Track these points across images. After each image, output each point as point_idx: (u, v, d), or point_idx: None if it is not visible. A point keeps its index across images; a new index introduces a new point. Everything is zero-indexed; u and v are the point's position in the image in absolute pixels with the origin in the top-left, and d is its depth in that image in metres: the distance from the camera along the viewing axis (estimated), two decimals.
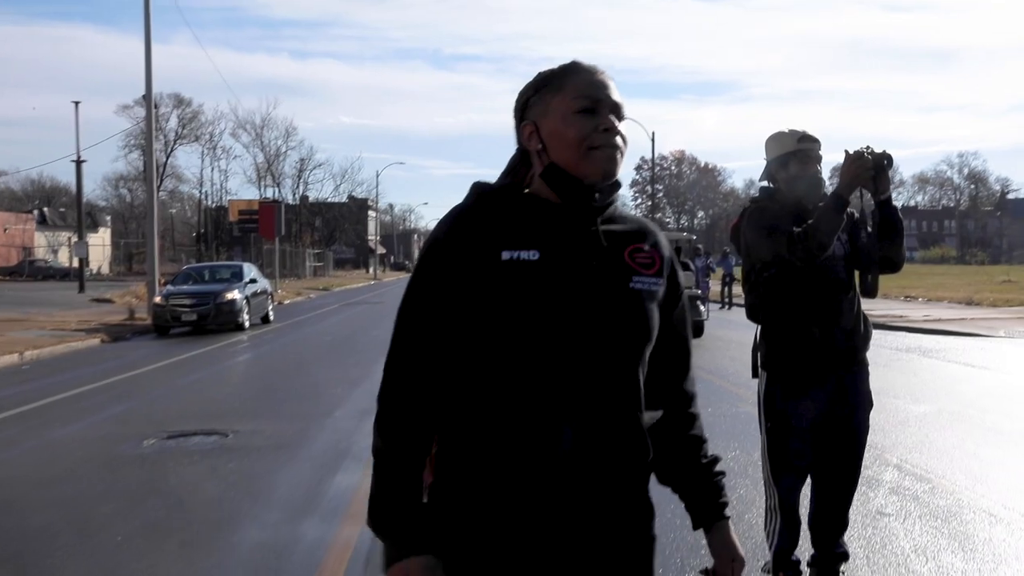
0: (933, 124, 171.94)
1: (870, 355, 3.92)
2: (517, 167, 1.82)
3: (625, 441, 1.71)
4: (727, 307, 28.28)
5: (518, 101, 1.84)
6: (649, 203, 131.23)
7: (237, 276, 22.40)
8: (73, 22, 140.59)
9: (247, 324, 21.20)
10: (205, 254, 72.61)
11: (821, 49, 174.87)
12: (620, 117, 1.76)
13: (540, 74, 1.83)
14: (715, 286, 29.38)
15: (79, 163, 37.81)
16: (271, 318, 23.50)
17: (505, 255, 1.67)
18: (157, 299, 21.02)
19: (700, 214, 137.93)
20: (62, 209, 75.99)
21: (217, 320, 20.45)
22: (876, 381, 3.99)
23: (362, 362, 13.73)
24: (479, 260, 1.67)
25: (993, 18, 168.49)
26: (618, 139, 1.74)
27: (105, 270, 72.12)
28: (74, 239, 75.59)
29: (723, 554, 1.85)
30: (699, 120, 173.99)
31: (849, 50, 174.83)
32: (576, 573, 1.69)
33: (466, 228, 1.70)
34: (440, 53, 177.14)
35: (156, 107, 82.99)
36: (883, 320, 20.77)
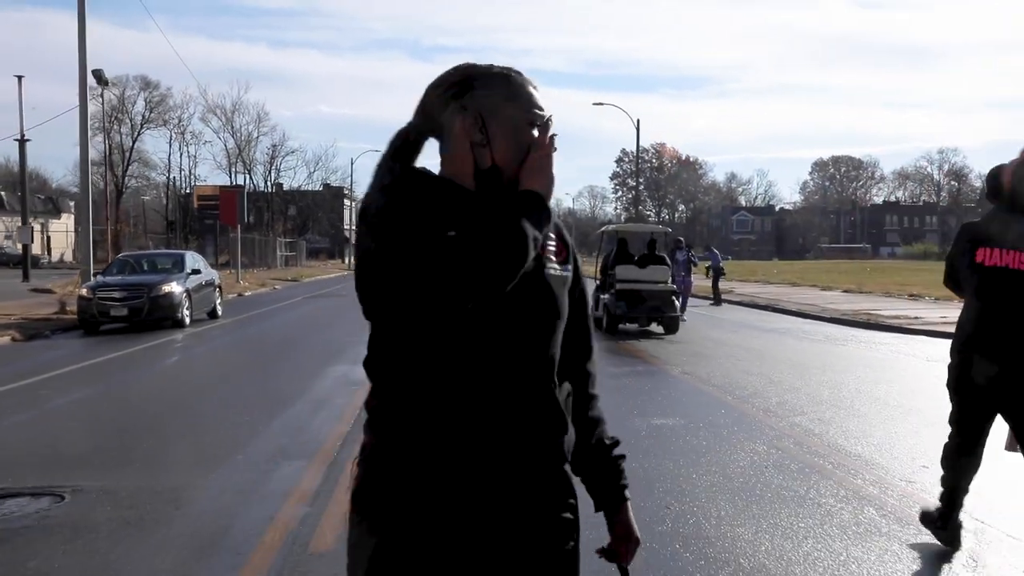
0: (910, 120, 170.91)
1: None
2: (407, 145, 1.86)
3: (544, 414, 1.78)
4: (716, 303, 26.43)
5: (448, 83, 1.85)
6: (631, 195, 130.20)
7: (178, 266, 19.94)
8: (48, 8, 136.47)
9: (188, 320, 18.77)
10: (174, 242, 69.89)
11: (801, 44, 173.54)
12: (548, 122, 1.86)
13: (478, 67, 1.86)
14: (700, 281, 27.50)
15: (22, 142, 35.18)
16: (219, 313, 21.09)
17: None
18: (82, 291, 18.57)
19: (681, 207, 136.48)
20: (19, 194, 72.86)
21: (152, 315, 18.03)
22: None
23: (302, 373, 11.43)
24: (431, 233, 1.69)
25: (967, 15, 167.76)
26: (554, 156, 1.83)
27: (68, 257, 69.24)
28: (35, 224, 73.08)
29: (621, 534, 1.93)
30: (679, 114, 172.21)
31: (829, 46, 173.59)
32: (499, 543, 1.74)
33: (414, 201, 1.73)
34: (419, 44, 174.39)
35: (122, 90, 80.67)
36: (898, 323, 18.70)
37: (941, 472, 4.71)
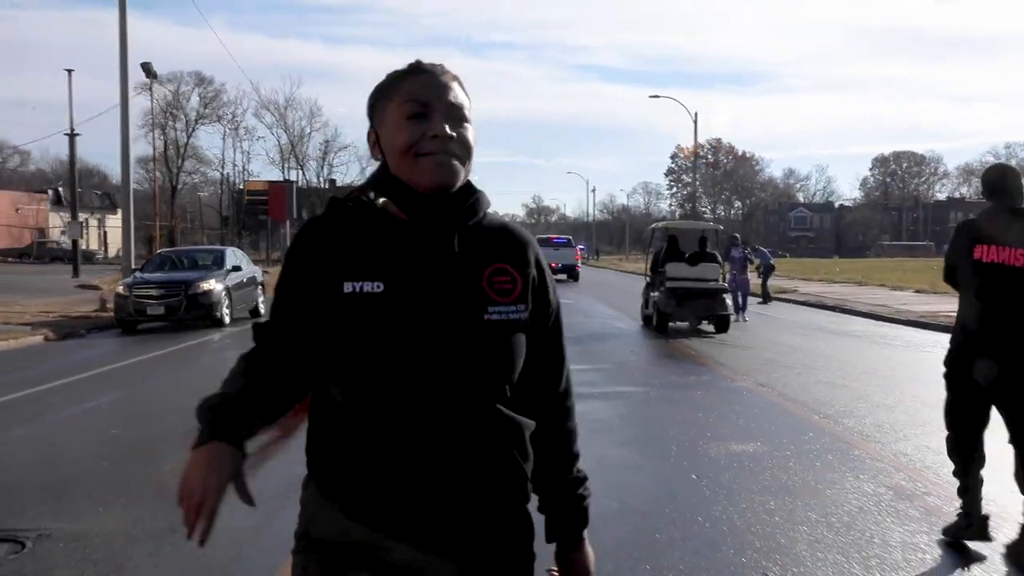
0: (975, 114, 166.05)
1: None
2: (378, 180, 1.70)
3: (486, 472, 1.63)
4: (765, 301, 25.09)
5: (367, 106, 1.72)
6: (686, 192, 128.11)
7: (218, 263, 19.19)
8: (108, 8, 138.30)
9: (227, 319, 18.00)
10: (227, 238, 69.97)
11: (860, 37, 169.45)
12: (461, 120, 1.64)
13: (387, 76, 1.70)
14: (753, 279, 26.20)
15: (72, 136, 34.94)
16: (261, 311, 20.27)
17: (347, 287, 1.58)
18: (119, 289, 17.88)
19: (737, 204, 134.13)
20: (79, 190, 73.52)
21: (190, 314, 17.29)
22: None
23: None
24: (322, 289, 1.58)
25: None
26: (451, 145, 1.60)
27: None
28: (91, 220, 73.70)
29: (569, 570, 1.82)
30: (736, 110, 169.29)
31: (888, 38, 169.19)
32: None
33: (310, 252, 1.62)
34: (471, 40, 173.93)
35: (177, 86, 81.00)
36: None
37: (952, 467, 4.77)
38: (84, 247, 59.96)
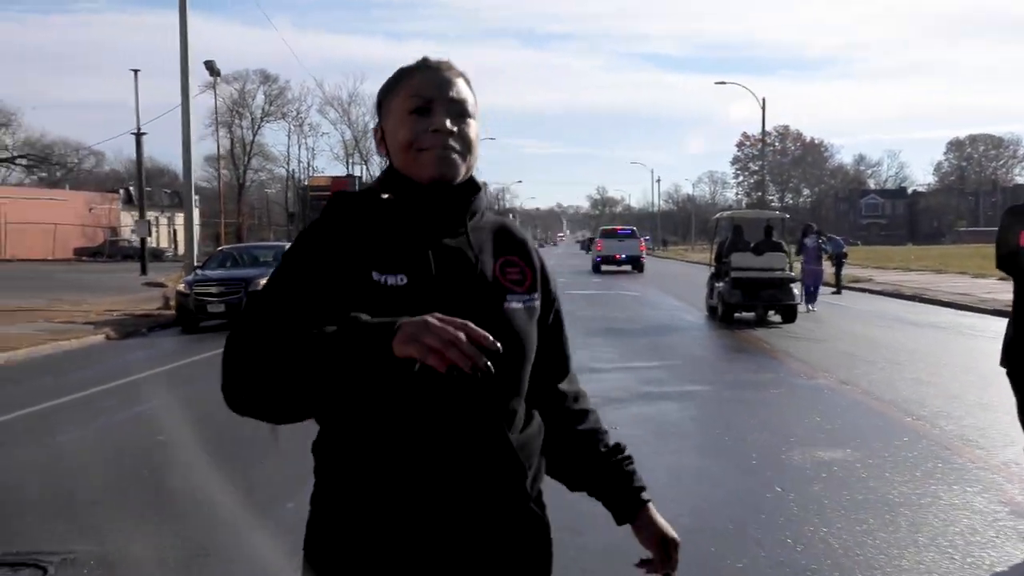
0: None
1: None
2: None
3: (499, 458, 1.61)
4: (838, 291, 24.12)
5: (376, 102, 1.74)
6: (753, 180, 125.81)
7: (277, 259, 18.85)
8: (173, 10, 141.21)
9: None
10: (293, 234, 70.58)
11: (930, 21, 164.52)
12: (463, 115, 1.65)
13: (395, 72, 1.71)
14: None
15: (139, 135, 35.33)
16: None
17: (375, 276, 1.56)
18: (180, 287, 17.79)
19: (805, 192, 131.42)
20: (148, 188, 74.84)
21: None
22: None
23: None
24: (348, 277, 1.55)
25: None
26: (451, 140, 1.62)
27: (196, 250, 70.65)
28: (161, 218, 75.02)
29: (653, 539, 1.77)
30: (802, 96, 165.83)
31: (959, 21, 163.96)
32: None
33: (337, 239, 1.59)
34: (532, 32, 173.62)
35: (242, 84, 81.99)
36: None
37: None
38: (154, 245, 61.00)
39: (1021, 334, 4.40)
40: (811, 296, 19.45)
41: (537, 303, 1.71)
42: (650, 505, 1.79)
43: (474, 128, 1.66)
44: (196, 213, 79.64)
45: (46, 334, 15.28)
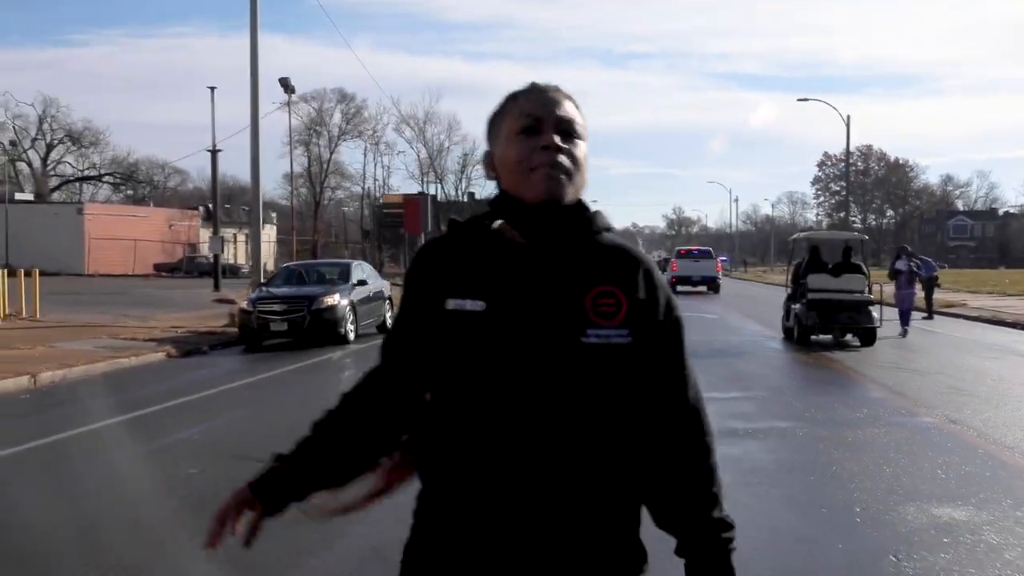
0: None
1: None
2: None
3: (579, 501, 1.59)
4: (929, 316, 22.64)
5: (487, 128, 1.79)
6: (834, 200, 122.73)
7: (343, 277, 18.48)
8: (265, 32, 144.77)
9: (352, 336, 17.23)
10: (368, 252, 70.84)
11: (1020, 37, 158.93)
12: (571, 135, 1.67)
13: (504, 97, 1.76)
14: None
15: (214, 152, 35.54)
16: (389, 326, 19.51)
17: (450, 304, 1.62)
18: (243, 304, 17.39)
19: (889, 213, 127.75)
20: (227, 206, 76.06)
21: (313, 331, 16.57)
22: None
23: None
24: (429, 305, 1.64)
25: None
26: (561, 157, 1.63)
27: (271, 267, 71.57)
28: (239, 235, 76.10)
29: None
30: (886, 115, 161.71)
31: None
32: None
33: (423, 270, 1.69)
34: (611, 52, 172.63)
35: (320, 103, 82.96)
36: None
37: None
38: (231, 261, 61.71)
39: None
40: (902, 321, 18.50)
41: (627, 339, 1.62)
42: None
43: (582, 149, 1.67)
44: (272, 230, 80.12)
45: (106, 351, 14.98)
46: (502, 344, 1.57)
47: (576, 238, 1.65)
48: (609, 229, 1.73)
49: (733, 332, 19.46)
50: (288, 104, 39.34)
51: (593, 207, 1.71)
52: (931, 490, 6.07)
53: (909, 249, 20.98)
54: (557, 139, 1.63)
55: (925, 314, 23.05)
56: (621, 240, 1.72)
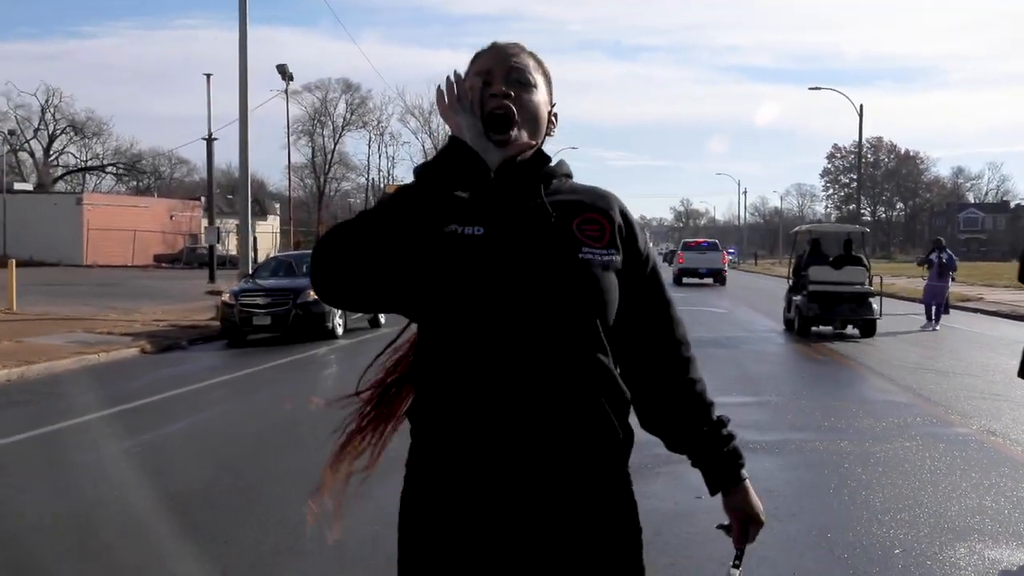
0: None
1: None
2: None
3: (581, 421, 1.68)
4: (946, 311, 21.26)
5: None
6: (843, 193, 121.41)
7: None
8: (274, 25, 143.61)
9: (340, 330, 16.36)
10: None
11: None
12: (518, 82, 1.75)
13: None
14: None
15: (210, 141, 34.60)
16: (382, 321, 18.57)
17: (452, 227, 1.67)
18: (225, 297, 16.49)
19: (899, 205, 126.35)
20: (229, 196, 75.14)
21: (298, 325, 15.69)
22: None
23: None
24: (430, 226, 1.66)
25: None
26: (505, 102, 1.71)
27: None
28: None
29: (738, 514, 1.83)
30: (897, 108, 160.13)
31: None
32: (533, 555, 1.68)
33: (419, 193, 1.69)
34: (620, 44, 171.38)
35: (324, 93, 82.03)
36: None
37: None
38: (233, 252, 60.83)
39: None
40: (931, 316, 18.30)
41: (616, 258, 1.74)
42: (743, 485, 1.82)
43: (536, 96, 1.77)
44: (275, 221, 79.33)
45: (76, 346, 14.10)
46: (503, 266, 1.66)
47: (538, 178, 1.75)
48: (570, 176, 1.84)
49: (742, 328, 18.53)
50: (286, 92, 38.47)
51: (557, 157, 1.83)
52: (983, 524, 5.13)
53: (943, 242, 20.36)
54: (504, 87, 1.72)
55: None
56: (595, 187, 1.84)
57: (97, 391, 10.39)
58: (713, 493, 1.83)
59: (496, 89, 1.70)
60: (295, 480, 5.92)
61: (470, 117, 1.68)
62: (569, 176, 1.83)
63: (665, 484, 5.78)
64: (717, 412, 1.84)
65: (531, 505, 1.66)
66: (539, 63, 1.81)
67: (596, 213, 1.76)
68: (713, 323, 19.38)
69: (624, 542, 1.73)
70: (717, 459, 1.81)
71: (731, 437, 1.83)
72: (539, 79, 1.78)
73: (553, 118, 1.84)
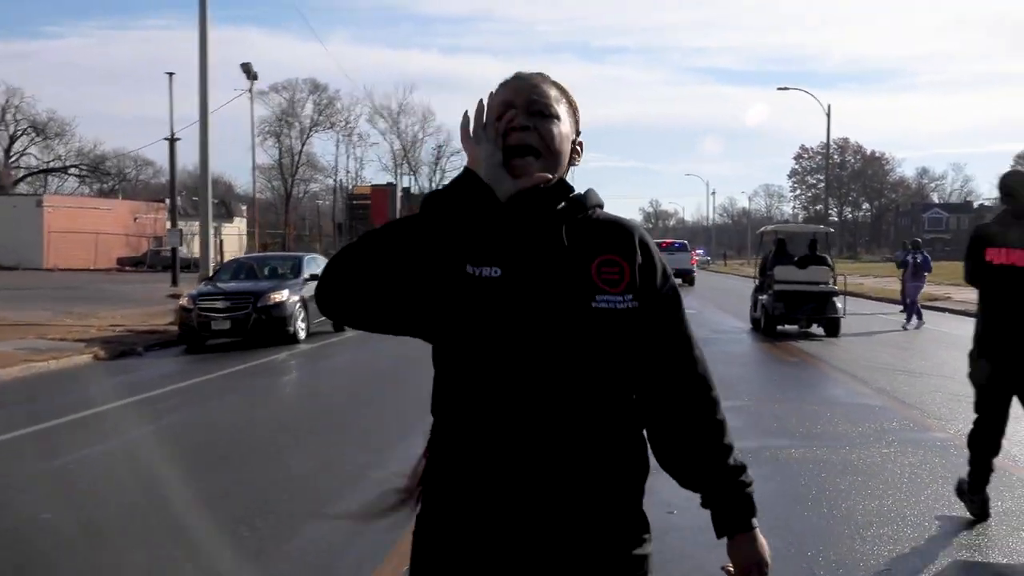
0: None
1: None
2: None
3: (586, 464, 1.68)
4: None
5: None
6: (810, 193, 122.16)
7: (294, 271, 17.12)
8: (242, 26, 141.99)
9: (303, 334, 15.93)
10: (340, 245, 69.34)
11: (995, 33, 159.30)
12: (539, 114, 1.73)
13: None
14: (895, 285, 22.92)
15: (172, 141, 33.90)
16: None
17: (469, 269, 1.68)
18: (183, 301, 15.99)
19: (865, 205, 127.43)
20: (194, 198, 74.10)
21: (259, 329, 15.24)
22: None
23: (411, 417, 8.10)
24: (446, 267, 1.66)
25: None
26: (527, 136, 1.71)
27: None
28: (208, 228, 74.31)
29: (743, 562, 1.80)
30: (861, 110, 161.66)
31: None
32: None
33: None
34: (589, 46, 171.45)
35: (292, 93, 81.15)
36: None
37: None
38: (196, 255, 59.92)
39: (985, 340, 4.91)
40: (908, 312, 18.99)
41: (632, 303, 1.72)
42: (751, 534, 1.79)
43: (556, 127, 1.74)
44: (242, 223, 78.31)
45: (26, 353, 13.55)
46: (518, 309, 1.66)
47: (556, 213, 1.74)
48: (601, 206, 1.83)
49: (713, 329, 18.29)
50: (251, 91, 37.82)
51: (573, 187, 1.80)
52: (973, 540, 4.86)
53: (920, 241, 20.84)
54: (524, 120, 1.70)
55: (903, 307, 22.27)
56: (616, 216, 1.82)
57: (40, 402, 9.91)
58: (720, 536, 1.81)
59: (517, 122, 1.69)
60: (228, 504, 5.54)
61: (490, 147, 1.67)
62: (600, 206, 1.81)
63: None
64: (735, 456, 1.81)
65: (538, 543, 1.67)
66: (563, 92, 1.80)
67: (615, 255, 1.73)
68: None
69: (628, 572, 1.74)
70: (730, 505, 1.79)
71: (746, 484, 1.81)
72: (562, 110, 1.77)
73: (578, 148, 1.83)
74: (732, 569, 1.81)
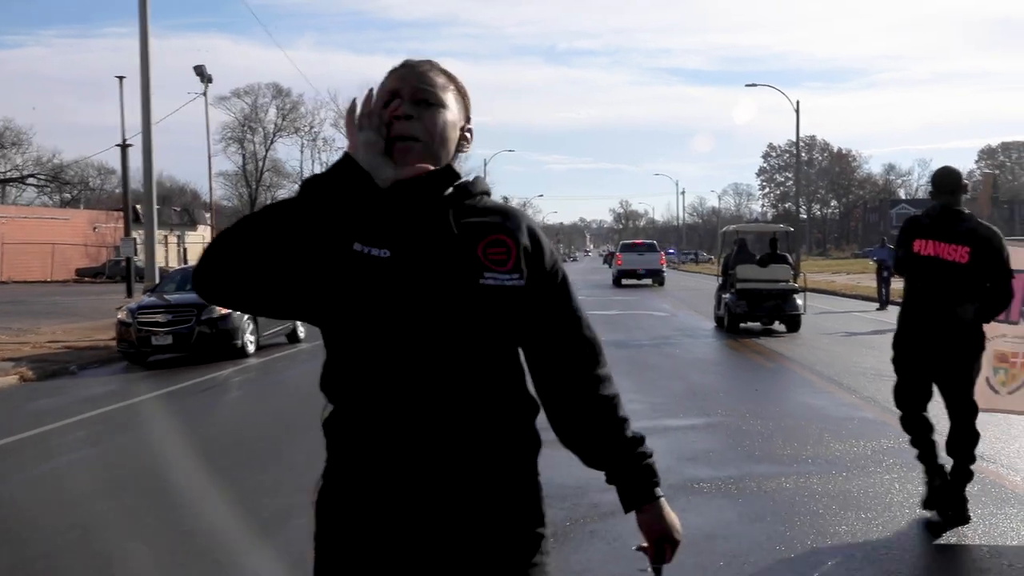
0: None
1: None
2: None
3: (475, 442, 1.70)
4: (882, 307, 22.02)
5: None
6: (779, 191, 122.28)
7: None
8: (207, 32, 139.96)
9: (252, 347, 14.94)
10: None
11: (958, 31, 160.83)
12: (425, 103, 1.74)
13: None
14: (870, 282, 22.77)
15: (124, 147, 32.67)
16: (300, 336, 17.15)
17: (357, 247, 1.69)
18: (121, 315, 14.92)
19: (833, 202, 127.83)
20: (157, 207, 72.61)
21: (203, 344, 14.23)
22: None
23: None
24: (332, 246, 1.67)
25: None
26: (411, 126, 1.71)
27: None
28: (170, 237, 72.68)
29: (652, 534, 1.82)
30: (827, 109, 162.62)
31: (988, 30, 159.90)
32: (439, 558, 1.70)
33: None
34: (555, 48, 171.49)
35: (254, 98, 79.82)
36: None
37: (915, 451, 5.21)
38: (162, 264, 58.50)
39: (906, 328, 5.13)
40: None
41: (520, 282, 1.74)
42: (657, 503, 1.81)
43: (441, 115, 1.74)
44: (206, 231, 76.54)
45: None
46: (406, 287, 1.67)
47: (443, 198, 1.74)
48: (488, 193, 1.84)
49: (688, 334, 17.51)
50: (205, 94, 36.68)
51: (473, 174, 1.86)
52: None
53: (886, 240, 21.01)
54: (406, 108, 1.70)
55: (878, 305, 22.30)
56: (505, 204, 1.85)
57: None
58: (627, 511, 1.83)
59: (401, 111, 1.71)
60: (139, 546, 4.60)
61: (372, 135, 1.66)
62: (487, 193, 1.84)
63: (601, 550, 4.58)
64: (631, 429, 1.84)
65: (436, 514, 1.68)
66: (451, 79, 1.81)
67: (502, 235, 1.76)
68: (656, 327, 18.48)
69: (526, 544, 1.75)
70: (631, 477, 1.82)
71: (646, 455, 1.84)
72: (449, 97, 1.78)
73: (467, 135, 1.84)
74: (646, 545, 1.81)
